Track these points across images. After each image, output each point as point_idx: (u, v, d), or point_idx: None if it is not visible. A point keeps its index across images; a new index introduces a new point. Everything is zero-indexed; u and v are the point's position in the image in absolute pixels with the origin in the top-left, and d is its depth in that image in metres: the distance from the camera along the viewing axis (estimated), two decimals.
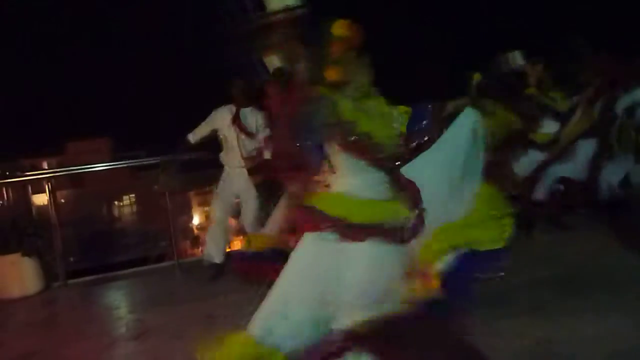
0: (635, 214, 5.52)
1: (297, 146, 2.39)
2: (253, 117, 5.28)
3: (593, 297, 3.86)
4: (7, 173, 7.12)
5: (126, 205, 12.28)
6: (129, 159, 8.07)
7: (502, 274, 3.12)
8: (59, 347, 4.15)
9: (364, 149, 2.39)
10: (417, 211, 2.54)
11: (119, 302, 5.46)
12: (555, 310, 3.74)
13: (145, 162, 6.62)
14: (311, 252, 2.39)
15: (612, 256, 4.73)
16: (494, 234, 3.02)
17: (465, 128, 3.16)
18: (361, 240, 2.33)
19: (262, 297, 2.37)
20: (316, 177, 2.51)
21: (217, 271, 5.34)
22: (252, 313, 2.33)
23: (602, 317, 3.54)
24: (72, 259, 6.25)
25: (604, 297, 3.84)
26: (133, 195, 12.37)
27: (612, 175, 5.63)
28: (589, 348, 3.16)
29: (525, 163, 5.55)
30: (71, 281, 5.97)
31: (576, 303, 3.82)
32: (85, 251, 6.88)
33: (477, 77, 3.41)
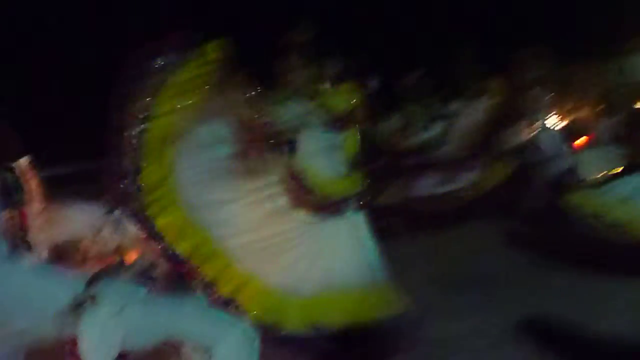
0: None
1: None
2: None
3: (469, 295, 4.10)
4: None
5: None
6: None
7: None
8: None
9: None
10: None
11: None
12: (433, 308, 3.85)
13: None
14: None
15: (496, 256, 5.02)
16: None
17: None
18: None
19: None
20: None
21: None
22: None
23: (470, 315, 3.72)
24: None
25: (478, 296, 4.06)
26: None
27: None
28: (450, 345, 3.34)
29: None
30: None
31: (455, 301, 4.03)
32: None
33: None
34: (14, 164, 3.90)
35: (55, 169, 5.39)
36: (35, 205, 3.98)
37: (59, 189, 4.32)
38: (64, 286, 2.19)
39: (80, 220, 4.02)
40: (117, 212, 4.06)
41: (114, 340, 2.15)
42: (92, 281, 2.23)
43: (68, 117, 8.60)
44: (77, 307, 2.13)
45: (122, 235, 4.02)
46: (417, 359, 3.29)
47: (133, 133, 2.80)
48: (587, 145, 5.55)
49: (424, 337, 3.38)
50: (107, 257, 4.19)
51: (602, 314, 3.47)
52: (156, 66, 2.74)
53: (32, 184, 3.94)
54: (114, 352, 2.15)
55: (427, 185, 6.16)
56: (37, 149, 4.04)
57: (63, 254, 4.26)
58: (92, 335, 2.12)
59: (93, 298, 2.15)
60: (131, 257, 3.57)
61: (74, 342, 2.15)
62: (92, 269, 2.54)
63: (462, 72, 6.29)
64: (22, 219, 4.02)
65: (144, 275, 2.64)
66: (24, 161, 3.92)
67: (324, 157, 3.34)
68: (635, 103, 5.41)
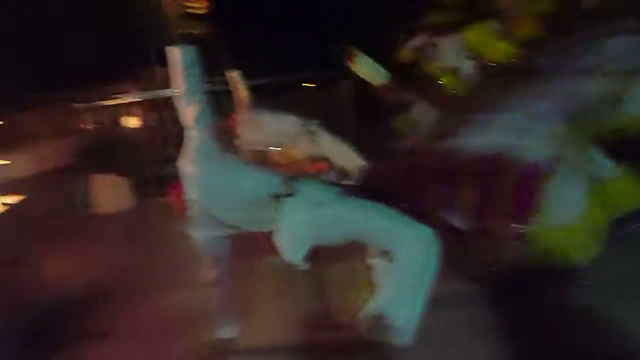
0: None
1: None
2: None
3: None
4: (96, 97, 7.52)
5: None
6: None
7: None
8: (148, 260, 4.49)
9: None
10: None
11: None
12: None
13: (216, 88, 6.70)
14: None
15: None
16: None
17: None
18: None
19: None
20: None
21: None
22: None
23: None
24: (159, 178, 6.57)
25: None
26: None
27: None
28: None
29: None
30: (159, 199, 6.32)
31: None
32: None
33: None
34: (226, 75, 4.30)
35: (260, 80, 5.82)
36: (242, 113, 4.37)
37: (263, 99, 4.67)
38: (265, 183, 2.40)
39: (279, 128, 4.35)
40: (313, 123, 4.30)
41: (307, 235, 2.32)
42: (290, 180, 2.40)
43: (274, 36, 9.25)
44: (275, 201, 2.33)
45: (317, 146, 4.25)
46: None
47: None
48: None
49: None
50: (302, 165, 4.49)
51: None
52: None
53: (241, 94, 4.32)
54: (306, 246, 2.33)
55: None
56: (246, 62, 4.40)
57: (263, 158, 4.68)
58: (287, 228, 2.32)
59: (290, 194, 2.32)
60: (323, 167, 3.77)
61: (269, 235, 2.38)
62: (289, 171, 2.72)
63: None
64: (230, 125, 4.46)
65: (336, 183, 2.78)
66: (233, 72, 4.29)
67: None
68: None
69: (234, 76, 4.31)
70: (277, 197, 2.34)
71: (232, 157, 2.49)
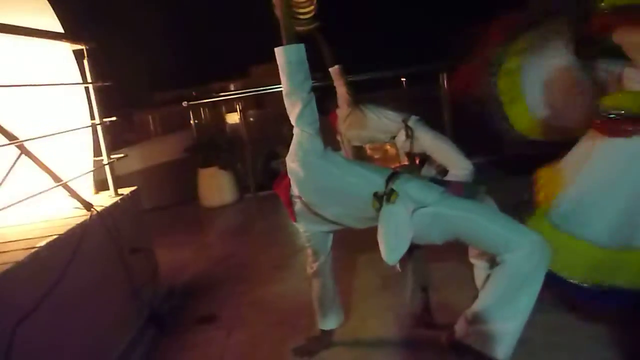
0: None
1: None
2: None
3: None
4: (202, 95, 7.87)
5: None
6: None
7: None
8: (253, 251, 4.65)
9: None
10: None
11: None
12: None
13: (319, 84, 6.79)
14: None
15: None
16: None
17: None
18: None
19: None
20: None
21: None
22: None
23: None
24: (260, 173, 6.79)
25: None
26: None
27: None
28: None
29: None
30: (261, 193, 6.54)
31: None
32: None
33: None
34: (330, 72, 4.37)
35: (361, 76, 5.84)
36: (343, 109, 4.42)
37: (364, 95, 4.69)
38: (368, 181, 2.40)
39: (379, 124, 4.34)
40: (413, 119, 4.25)
41: (406, 236, 2.30)
42: (392, 177, 2.38)
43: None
44: (378, 200, 2.33)
45: (416, 142, 4.19)
46: None
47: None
48: None
49: None
50: (398, 160, 4.45)
51: None
52: None
53: (342, 90, 4.37)
54: (404, 247, 2.30)
55: None
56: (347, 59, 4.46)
57: (360, 153, 4.68)
58: (388, 227, 2.31)
59: (392, 193, 2.31)
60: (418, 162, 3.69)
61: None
62: (388, 167, 2.70)
63: None
64: (332, 121, 4.53)
65: (437, 180, 2.71)
66: (335, 69, 4.35)
67: None
68: None
69: (336, 72, 4.37)
70: (380, 196, 2.33)
71: (334, 153, 2.51)
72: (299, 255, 4.39)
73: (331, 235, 2.76)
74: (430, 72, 6.39)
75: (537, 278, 2.15)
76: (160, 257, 3.94)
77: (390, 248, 2.30)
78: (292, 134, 2.53)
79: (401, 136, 4.28)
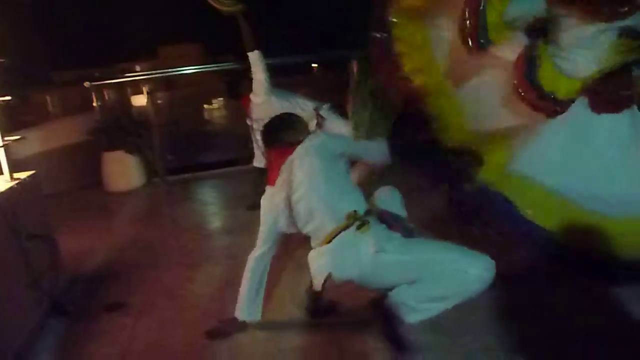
0: None
1: None
2: None
3: None
4: (107, 75, 7.54)
5: (216, 108, 12.73)
6: (218, 63, 8.22)
7: None
8: (161, 237, 4.56)
9: None
10: None
11: (213, 198, 5.83)
12: None
13: (233, 67, 6.72)
14: None
15: None
16: None
17: None
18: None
19: None
20: None
21: None
22: None
23: None
24: (169, 157, 6.63)
25: None
26: (222, 98, 12.75)
27: None
28: None
29: None
30: (169, 177, 6.40)
31: None
32: (180, 150, 7.27)
33: None
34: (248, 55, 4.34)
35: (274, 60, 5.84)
36: (258, 95, 4.41)
37: (277, 80, 4.69)
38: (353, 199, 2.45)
39: (291, 109, 4.39)
40: (325, 107, 4.32)
41: (354, 267, 2.32)
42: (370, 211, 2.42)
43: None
44: (351, 218, 2.35)
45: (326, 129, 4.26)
46: None
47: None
48: None
49: None
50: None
51: None
52: None
53: (260, 76, 4.35)
54: (348, 275, 2.35)
55: None
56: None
57: None
58: (343, 248, 2.33)
59: (367, 223, 2.34)
60: None
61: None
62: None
63: None
64: (245, 105, 4.52)
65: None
66: (255, 54, 4.33)
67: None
68: None
69: (255, 57, 4.34)
70: (354, 217, 2.35)
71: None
72: (208, 240, 4.38)
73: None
74: (342, 59, 6.50)
75: (466, 293, 2.29)
76: (64, 244, 3.78)
77: (332, 266, 2.33)
78: None
79: (312, 124, 4.34)
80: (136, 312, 3.22)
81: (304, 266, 3.49)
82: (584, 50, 2.89)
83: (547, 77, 2.98)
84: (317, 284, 2.38)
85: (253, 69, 4.39)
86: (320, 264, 2.37)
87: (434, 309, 2.33)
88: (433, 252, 2.36)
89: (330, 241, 2.35)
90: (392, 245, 2.32)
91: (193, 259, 3.98)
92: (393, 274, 2.33)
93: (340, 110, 4.32)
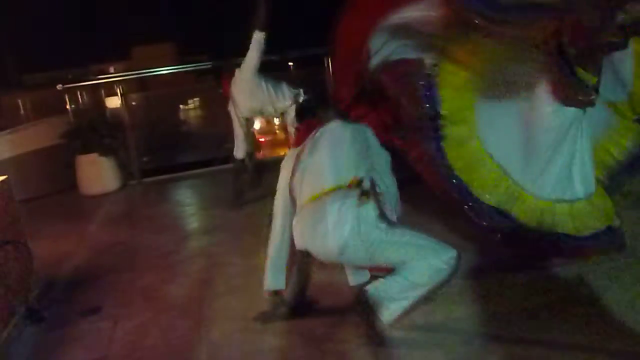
0: None
1: None
2: None
3: None
4: (79, 77, 7.44)
5: (191, 108, 12.65)
6: (192, 64, 8.17)
7: None
8: (137, 240, 4.52)
9: None
10: None
11: (189, 200, 5.80)
12: None
13: (209, 66, 6.69)
14: None
15: None
16: None
17: None
18: None
19: None
20: None
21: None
22: None
23: None
24: (145, 159, 6.58)
25: None
26: (197, 99, 12.68)
27: None
28: None
29: None
30: (146, 179, 6.34)
31: None
32: (157, 151, 7.22)
33: None
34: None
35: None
36: (245, 75, 4.47)
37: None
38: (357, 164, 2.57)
39: (270, 96, 4.44)
40: (303, 96, 4.38)
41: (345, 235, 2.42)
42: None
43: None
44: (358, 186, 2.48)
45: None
46: None
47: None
48: None
49: None
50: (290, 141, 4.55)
51: None
52: None
53: (254, 54, 4.44)
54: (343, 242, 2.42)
55: None
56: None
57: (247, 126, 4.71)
58: (341, 215, 2.43)
59: (367, 194, 2.46)
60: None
61: None
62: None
63: None
64: (225, 86, 4.58)
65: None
66: (260, 34, 4.42)
67: None
68: None
69: (259, 39, 4.44)
70: (359, 185, 2.48)
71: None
72: (185, 241, 4.35)
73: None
74: (317, 57, 6.53)
75: (431, 284, 2.41)
76: (40, 249, 3.74)
77: (321, 235, 2.45)
78: None
79: (291, 112, 4.38)
80: (114, 316, 3.20)
81: None
82: None
83: None
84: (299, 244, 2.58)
85: (252, 47, 4.45)
86: (316, 216, 2.49)
87: (409, 298, 2.42)
88: (408, 237, 2.47)
89: (326, 194, 2.48)
90: (380, 223, 2.44)
91: (170, 260, 3.96)
92: (370, 250, 2.43)
93: (318, 101, 4.37)
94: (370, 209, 2.45)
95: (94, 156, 6.02)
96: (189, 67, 8.03)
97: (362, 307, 2.44)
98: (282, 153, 4.56)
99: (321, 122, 2.75)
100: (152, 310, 3.23)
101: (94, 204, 5.79)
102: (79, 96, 7.64)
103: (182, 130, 10.60)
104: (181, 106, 12.22)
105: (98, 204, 5.74)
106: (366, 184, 2.48)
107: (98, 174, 6.14)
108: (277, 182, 2.85)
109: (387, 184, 2.63)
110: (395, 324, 2.47)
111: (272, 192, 2.88)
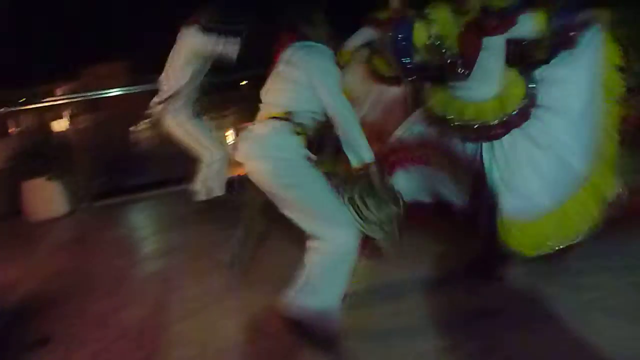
0: None
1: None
2: None
3: None
4: (24, 100, 7.20)
5: (143, 129, 12.40)
6: (145, 84, 7.99)
7: None
8: (89, 266, 4.37)
9: None
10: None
11: (143, 222, 5.67)
12: None
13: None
14: None
15: None
16: None
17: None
18: None
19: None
20: None
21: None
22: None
23: None
24: (95, 182, 6.40)
25: None
26: (151, 119, 12.43)
27: None
28: None
29: None
30: (97, 203, 6.16)
31: None
32: (108, 174, 7.03)
33: None
34: None
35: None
36: None
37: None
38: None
39: None
40: None
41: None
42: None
43: None
44: None
45: None
46: None
47: None
48: None
49: None
50: None
51: None
52: None
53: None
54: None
55: None
56: None
57: None
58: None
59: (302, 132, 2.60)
60: None
61: None
62: None
63: None
64: None
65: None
66: None
67: None
68: None
69: None
70: None
71: None
72: (139, 265, 4.24)
73: None
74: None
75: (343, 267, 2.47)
76: None
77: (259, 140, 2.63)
78: None
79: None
80: (64, 347, 3.07)
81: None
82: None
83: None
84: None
85: None
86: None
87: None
88: (315, 201, 2.52)
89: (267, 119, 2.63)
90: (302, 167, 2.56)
91: (124, 285, 3.84)
92: (281, 186, 2.52)
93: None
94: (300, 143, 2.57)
95: (40, 181, 5.81)
96: (139, 89, 7.84)
97: (297, 329, 2.50)
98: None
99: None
100: (105, 339, 3.11)
101: (42, 229, 5.57)
102: (23, 119, 7.38)
103: (135, 152, 10.38)
104: (133, 127, 11.98)
105: (46, 230, 5.53)
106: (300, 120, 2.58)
107: (45, 198, 5.92)
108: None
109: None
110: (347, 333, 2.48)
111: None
